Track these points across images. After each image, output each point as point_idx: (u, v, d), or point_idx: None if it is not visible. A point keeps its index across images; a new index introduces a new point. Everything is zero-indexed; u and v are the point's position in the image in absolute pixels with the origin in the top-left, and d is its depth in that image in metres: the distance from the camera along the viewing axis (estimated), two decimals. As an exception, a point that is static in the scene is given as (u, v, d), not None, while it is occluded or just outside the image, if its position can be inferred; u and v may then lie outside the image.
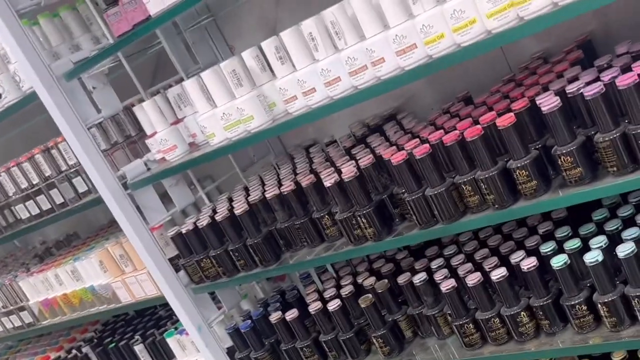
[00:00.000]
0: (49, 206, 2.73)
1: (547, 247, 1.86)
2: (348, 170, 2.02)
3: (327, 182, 2.07)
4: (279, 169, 2.54)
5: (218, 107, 2.12)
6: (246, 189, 2.54)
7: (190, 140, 2.41)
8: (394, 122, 2.31)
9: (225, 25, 2.74)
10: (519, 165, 1.72)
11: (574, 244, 1.81)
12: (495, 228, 2.13)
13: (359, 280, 2.34)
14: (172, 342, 2.82)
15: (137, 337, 3.01)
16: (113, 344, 3.08)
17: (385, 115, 2.40)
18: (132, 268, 2.73)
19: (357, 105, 2.28)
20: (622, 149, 1.59)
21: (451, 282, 2.02)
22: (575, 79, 1.74)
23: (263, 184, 2.45)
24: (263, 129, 2.07)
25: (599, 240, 1.76)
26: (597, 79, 1.65)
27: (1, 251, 4.18)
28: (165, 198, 2.67)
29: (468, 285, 1.96)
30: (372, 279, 2.29)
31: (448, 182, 1.86)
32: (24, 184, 2.79)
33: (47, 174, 2.69)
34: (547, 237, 1.93)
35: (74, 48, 2.55)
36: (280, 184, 2.32)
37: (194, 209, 2.75)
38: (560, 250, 1.84)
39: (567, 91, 1.68)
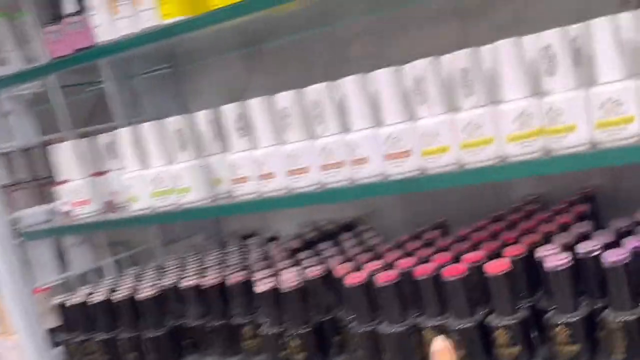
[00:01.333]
0: None
1: None
2: (289, 278, 1.67)
3: (260, 287, 1.71)
4: (205, 254, 2.17)
5: (151, 168, 1.75)
6: (161, 270, 2.15)
7: (108, 199, 2.02)
8: (352, 233, 1.98)
9: (184, 82, 2.42)
10: (502, 323, 1.40)
11: None
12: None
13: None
14: None
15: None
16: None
17: (343, 223, 2.07)
18: (2, 330, 2.27)
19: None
20: (637, 335, 1.29)
21: None
22: (585, 237, 1.45)
23: (182, 268, 2.06)
24: (198, 206, 1.70)
25: None
26: (616, 244, 1.36)
27: None
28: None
29: None
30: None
31: (410, 321, 1.52)
32: None
33: None
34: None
35: (0, 62, 2.16)
36: (201, 274, 1.95)
37: (95, 275, 2.33)
38: None
39: (578, 250, 1.38)
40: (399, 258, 1.60)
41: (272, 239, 2.24)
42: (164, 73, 2.43)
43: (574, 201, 1.70)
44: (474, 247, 1.57)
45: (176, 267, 2.10)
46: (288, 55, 2.19)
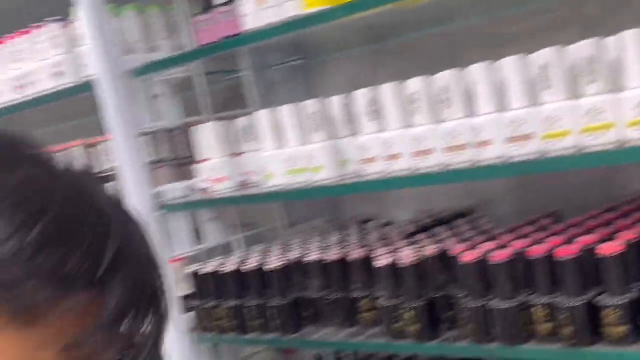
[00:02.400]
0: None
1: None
2: (407, 255, 1.78)
3: (379, 262, 1.83)
4: (327, 235, 2.31)
5: (287, 147, 1.91)
6: (285, 246, 2.31)
7: (244, 178, 2.18)
8: (466, 220, 2.08)
9: (315, 74, 2.57)
10: (612, 302, 1.47)
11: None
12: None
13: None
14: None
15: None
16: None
17: (458, 211, 2.17)
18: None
19: (424, 192, 2.08)
20: None
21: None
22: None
23: (306, 246, 2.21)
24: (329, 184, 1.84)
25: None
26: None
27: None
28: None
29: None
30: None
31: (521, 298, 1.61)
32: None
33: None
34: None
35: (152, 49, 2.36)
36: (324, 250, 2.08)
37: (224, 250, 2.50)
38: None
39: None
40: (512, 240, 1.69)
41: (388, 224, 2.34)
42: (297, 65, 2.58)
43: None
44: (587, 232, 1.65)
45: (300, 245, 2.25)
46: (410, 53, 2.30)
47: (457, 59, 2.07)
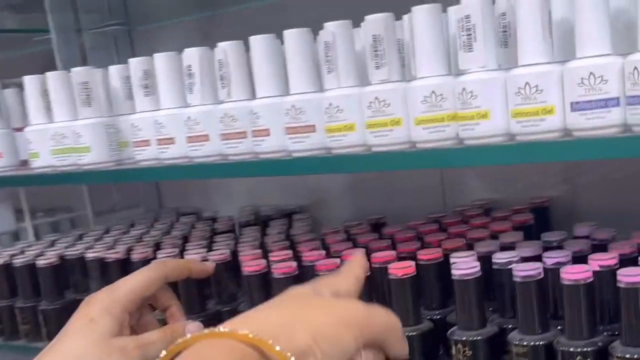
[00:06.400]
0: None
1: None
2: (219, 255, 1.49)
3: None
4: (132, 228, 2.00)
5: (53, 122, 1.58)
6: (80, 237, 1.99)
7: (24, 157, 1.84)
8: (287, 220, 1.82)
9: (140, 42, 2.26)
10: (398, 335, 1.21)
11: None
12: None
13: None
14: None
15: None
16: None
17: (285, 210, 1.91)
18: None
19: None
20: (541, 362, 1.09)
21: None
22: (510, 247, 1.25)
23: (102, 239, 1.90)
24: (98, 168, 1.53)
25: None
26: (538, 258, 1.16)
27: None
28: None
29: None
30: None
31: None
32: None
33: None
34: None
35: None
36: (112, 247, 1.78)
37: (9, 240, 2.16)
38: None
39: (494, 260, 1.19)
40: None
41: (212, 219, 2.06)
42: (118, 30, 2.26)
43: (521, 210, 1.49)
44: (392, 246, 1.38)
45: (95, 237, 1.94)
46: (244, 22, 2.02)
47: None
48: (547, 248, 1.21)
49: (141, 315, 0.91)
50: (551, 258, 1.12)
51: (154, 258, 1.59)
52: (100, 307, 0.83)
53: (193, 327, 0.88)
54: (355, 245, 1.41)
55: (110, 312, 0.83)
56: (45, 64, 2.29)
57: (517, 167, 1.48)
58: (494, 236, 1.32)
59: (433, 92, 1.08)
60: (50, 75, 1.56)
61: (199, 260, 0.92)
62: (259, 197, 2.06)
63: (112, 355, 0.81)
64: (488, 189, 1.65)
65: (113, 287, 0.87)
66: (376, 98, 1.12)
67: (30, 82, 1.61)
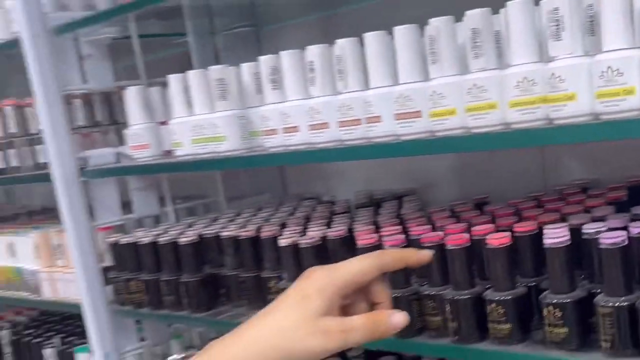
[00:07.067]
0: (3, 166, 2.44)
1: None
2: (310, 236, 1.68)
3: (283, 242, 1.73)
4: (260, 211, 2.21)
5: (194, 115, 1.80)
6: (213, 220, 2.21)
7: (167, 147, 2.08)
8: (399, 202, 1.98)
9: (266, 41, 2.46)
10: (496, 298, 1.35)
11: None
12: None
13: None
14: (80, 358, 2.48)
15: (53, 340, 2.67)
16: (28, 338, 2.76)
17: (397, 194, 2.07)
18: (64, 263, 2.41)
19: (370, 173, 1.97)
20: (626, 323, 1.21)
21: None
22: (601, 220, 1.37)
23: (234, 220, 2.11)
24: (232, 155, 1.73)
25: None
26: (625, 228, 1.27)
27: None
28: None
29: None
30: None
31: (413, 288, 1.50)
32: (-15, 134, 2.50)
33: (10, 131, 2.40)
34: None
35: (88, 7, 2.25)
36: (242, 226, 1.98)
37: (153, 223, 2.41)
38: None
39: (584, 230, 1.31)
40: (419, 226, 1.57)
41: (332, 202, 2.23)
42: (247, 32, 2.47)
43: (616, 187, 1.59)
44: (492, 221, 1.52)
45: (229, 219, 2.15)
46: (359, 20, 2.18)
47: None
48: (634, 220, 1.31)
49: (351, 300, 0.88)
50: (636, 228, 1.23)
51: (280, 236, 1.78)
52: (316, 286, 0.83)
53: (398, 317, 0.84)
54: (458, 221, 1.55)
55: (324, 292, 0.82)
56: (182, 65, 2.54)
57: (616, 148, 1.58)
58: (587, 211, 1.43)
59: (525, 77, 1.21)
60: (191, 73, 1.79)
61: (416, 250, 0.90)
62: (373, 182, 2.22)
63: (315, 335, 0.81)
64: (587, 169, 1.75)
65: (332, 268, 0.85)
66: (474, 85, 1.27)
67: (174, 80, 1.83)
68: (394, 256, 0.89)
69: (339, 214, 1.97)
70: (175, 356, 0.72)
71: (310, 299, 0.81)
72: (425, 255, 0.91)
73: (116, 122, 2.38)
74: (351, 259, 0.87)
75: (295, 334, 0.80)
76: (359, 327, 0.82)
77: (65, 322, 2.88)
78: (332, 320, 0.82)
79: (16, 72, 2.79)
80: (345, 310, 0.87)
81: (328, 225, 1.81)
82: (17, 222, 3.05)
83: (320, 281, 0.83)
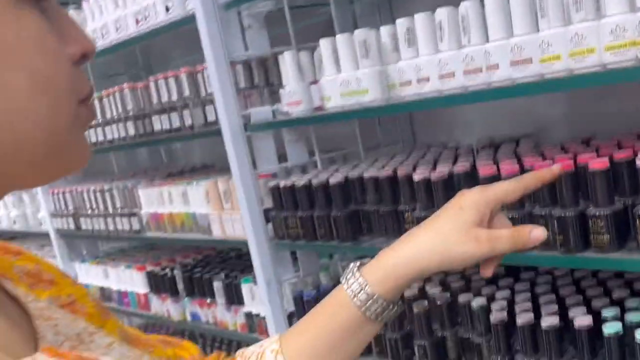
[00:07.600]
0: (178, 125, 2.87)
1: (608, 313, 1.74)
2: (439, 172, 1.99)
3: (416, 177, 2.05)
4: (394, 158, 2.52)
5: (341, 73, 2.14)
6: (355, 165, 2.55)
7: (319, 104, 2.43)
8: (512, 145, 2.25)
9: (399, 8, 2.76)
10: (598, 213, 1.62)
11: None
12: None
13: (426, 287, 2.29)
14: (245, 288, 2.89)
15: (221, 274, 3.11)
16: (198, 274, 3.20)
17: (515, 137, 2.33)
18: (230, 206, 2.82)
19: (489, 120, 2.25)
20: None
21: (502, 315, 1.93)
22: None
23: (373, 165, 2.44)
24: (374, 105, 2.06)
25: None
26: None
27: (149, 162, 4.46)
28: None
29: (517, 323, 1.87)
30: (437, 289, 2.23)
31: (527, 209, 1.78)
32: (164, 98, 2.94)
33: (185, 94, 2.83)
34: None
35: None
36: (381, 169, 2.31)
37: (303, 170, 2.78)
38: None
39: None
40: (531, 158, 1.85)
41: (456, 148, 2.51)
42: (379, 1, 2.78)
43: None
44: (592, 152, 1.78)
45: (368, 164, 2.48)
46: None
47: None
48: None
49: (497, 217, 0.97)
50: None
51: (414, 173, 2.09)
52: (471, 200, 0.94)
53: (538, 232, 0.94)
54: (566, 154, 1.81)
55: (477, 205, 0.93)
56: (325, 31, 2.89)
57: None
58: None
59: (617, 25, 1.47)
60: (339, 37, 2.12)
61: (548, 169, 0.99)
62: (493, 129, 2.48)
63: (468, 242, 0.91)
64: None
65: (484, 188, 0.96)
66: (576, 33, 1.53)
67: (324, 43, 2.18)
68: (533, 175, 1.00)
69: (463, 155, 2.26)
70: (352, 264, 0.90)
71: (465, 210, 0.93)
72: (556, 168, 1.01)
73: (271, 84, 2.75)
74: (499, 182, 0.99)
75: (451, 239, 0.91)
76: (505, 236, 0.92)
77: (225, 263, 3.32)
78: (482, 230, 0.92)
79: (181, 45, 3.22)
80: (495, 224, 0.97)
81: (454, 163, 2.11)
82: (184, 176, 3.51)
83: (474, 197, 0.94)
